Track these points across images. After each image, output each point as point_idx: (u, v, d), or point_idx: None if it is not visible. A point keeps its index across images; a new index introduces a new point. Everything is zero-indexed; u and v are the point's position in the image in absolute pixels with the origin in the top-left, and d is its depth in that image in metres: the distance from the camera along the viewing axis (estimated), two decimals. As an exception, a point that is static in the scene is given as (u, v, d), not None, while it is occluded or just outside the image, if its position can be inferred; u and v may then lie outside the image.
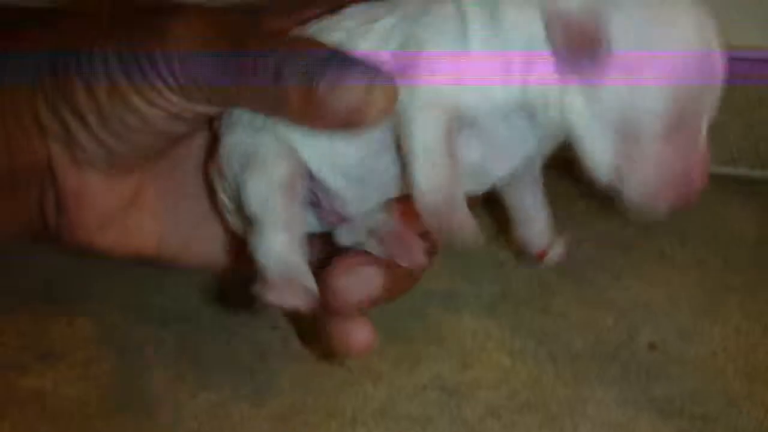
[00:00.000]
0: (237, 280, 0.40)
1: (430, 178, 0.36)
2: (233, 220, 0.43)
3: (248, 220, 0.39)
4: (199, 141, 0.45)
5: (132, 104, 0.39)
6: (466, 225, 0.36)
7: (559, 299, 0.58)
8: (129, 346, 0.53)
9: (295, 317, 0.52)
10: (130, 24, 0.39)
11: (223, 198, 0.42)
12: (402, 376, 0.52)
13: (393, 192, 0.40)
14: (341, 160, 0.39)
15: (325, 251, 0.42)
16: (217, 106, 0.39)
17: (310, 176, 0.40)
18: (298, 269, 0.38)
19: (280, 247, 0.38)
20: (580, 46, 0.34)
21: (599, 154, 0.36)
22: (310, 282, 0.38)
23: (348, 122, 0.36)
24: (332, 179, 0.40)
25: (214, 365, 0.52)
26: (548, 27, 0.35)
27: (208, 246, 0.46)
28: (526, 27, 0.35)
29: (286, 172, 0.39)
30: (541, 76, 0.36)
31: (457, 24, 0.36)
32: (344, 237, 0.43)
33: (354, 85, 0.35)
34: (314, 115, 0.36)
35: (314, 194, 0.41)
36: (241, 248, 0.41)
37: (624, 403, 0.50)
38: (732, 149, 0.70)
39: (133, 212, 0.44)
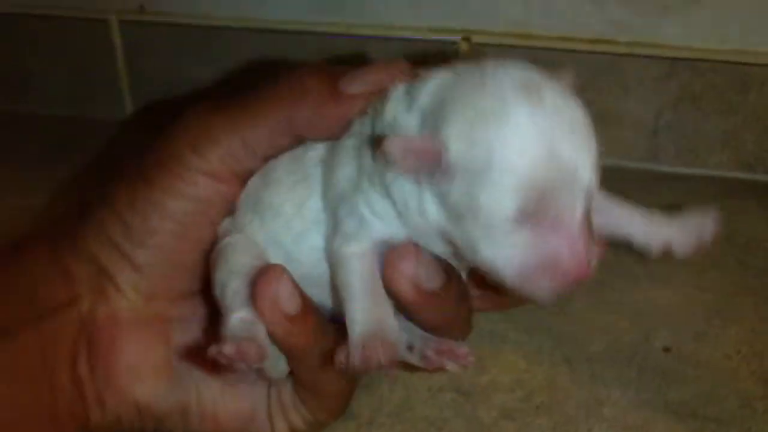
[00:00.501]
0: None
1: (363, 319, 0.38)
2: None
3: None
4: None
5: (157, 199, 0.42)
6: (392, 353, 0.37)
7: (576, 303, 0.58)
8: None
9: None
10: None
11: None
12: (418, 378, 0.52)
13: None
14: (294, 266, 0.41)
15: None
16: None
17: None
18: (255, 329, 0.39)
19: (239, 321, 0.40)
20: (422, 162, 0.36)
21: (469, 248, 0.38)
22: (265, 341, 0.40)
23: None
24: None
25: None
26: (383, 151, 0.36)
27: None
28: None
29: (246, 262, 0.41)
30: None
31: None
32: None
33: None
34: None
35: None
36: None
37: (639, 406, 0.50)
38: (748, 155, 0.70)
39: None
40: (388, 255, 0.39)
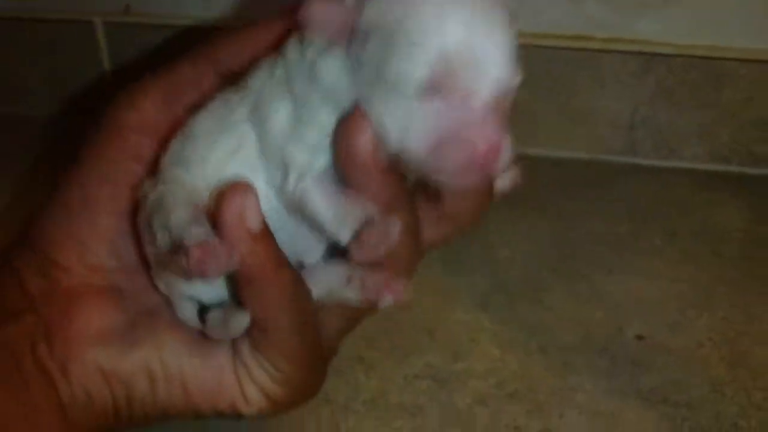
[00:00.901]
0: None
1: (349, 221, 0.38)
2: (157, 271, 0.43)
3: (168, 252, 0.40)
4: None
5: None
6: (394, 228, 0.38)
7: (551, 294, 0.59)
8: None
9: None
10: None
11: (149, 249, 0.43)
12: (394, 365, 0.53)
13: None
14: None
15: None
16: None
17: None
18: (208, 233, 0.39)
19: (188, 218, 0.39)
20: (340, 27, 0.37)
21: (377, 116, 0.37)
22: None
23: None
24: None
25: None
26: (313, 18, 0.37)
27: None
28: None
29: (185, 203, 0.41)
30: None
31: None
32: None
33: None
34: None
35: None
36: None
37: (611, 393, 0.51)
38: (723, 148, 0.71)
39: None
40: (343, 122, 0.39)
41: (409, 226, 0.41)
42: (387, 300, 0.41)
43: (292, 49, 0.40)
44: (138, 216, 0.43)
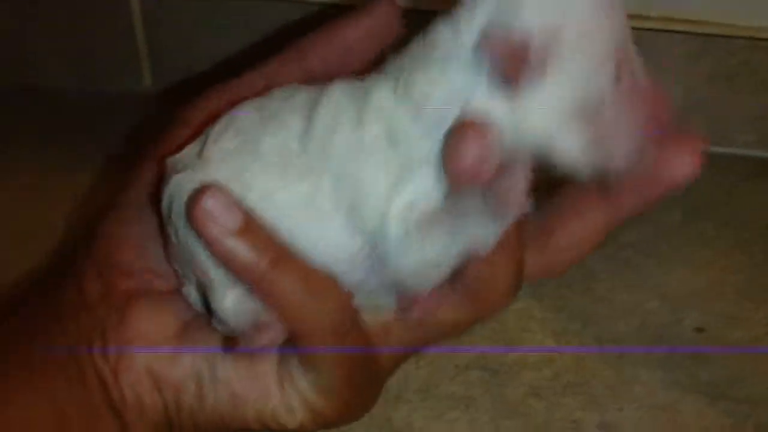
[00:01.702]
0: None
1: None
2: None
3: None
4: None
5: None
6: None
7: (602, 284, 0.57)
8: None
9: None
10: None
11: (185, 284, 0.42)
12: (444, 355, 0.52)
13: None
14: None
15: None
16: None
17: None
18: (255, 313, 0.38)
19: (233, 303, 0.38)
20: (516, 61, 0.33)
21: (570, 146, 0.34)
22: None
23: None
24: None
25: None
26: (485, 55, 0.33)
27: None
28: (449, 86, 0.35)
29: None
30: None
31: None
32: None
33: None
34: None
35: None
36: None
37: (669, 386, 0.50)
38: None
39: None
40: (453, 127, 0.35)
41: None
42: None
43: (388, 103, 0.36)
44: (161, 202, 0.40)
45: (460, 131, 0.34)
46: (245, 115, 0.38)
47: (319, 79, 0.40)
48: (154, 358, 0.42)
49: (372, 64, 0.39)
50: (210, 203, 0.36)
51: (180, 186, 0.38)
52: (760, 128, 0.69)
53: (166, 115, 0.44)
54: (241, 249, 0.37)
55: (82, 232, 0.46)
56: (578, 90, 0.34)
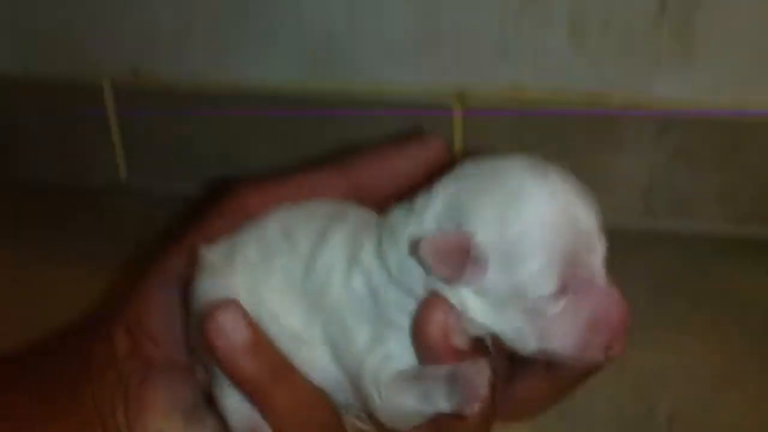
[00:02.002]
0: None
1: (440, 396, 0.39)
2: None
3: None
4: None
5: None
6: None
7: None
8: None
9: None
10: None
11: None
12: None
13: None
14: None
15: None
16: None
17: None
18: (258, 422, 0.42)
19: (233, 404, 0.42)
20: (453, 260, 0.37)
21: (516, 338, 0.38)
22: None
23: None
24: None
25: None
26: (418, 255, 0.37)
27: None
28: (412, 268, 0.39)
29: None
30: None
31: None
32: None
33: None
34: None
35: None
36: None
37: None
38: (744, 211, 0.71)
39: None
40: (422, 302, 0.39)
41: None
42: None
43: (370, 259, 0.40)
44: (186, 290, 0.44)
45: (427, 304, 0.38)
46: (272, 226, 0.43)
47: (364, 196, 0.45)
48: (167, 427, 0.46)
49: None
50: (221, 319, 0.40)
51: (206, 290, 0.42)
52: (725, 205, 0.71)
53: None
54: (244, 364, 0.40)
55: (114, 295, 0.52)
56: (517, 294, 0.37)
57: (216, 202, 0.48)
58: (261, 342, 0.41)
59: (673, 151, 0.70)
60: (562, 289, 0.37)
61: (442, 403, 0.39)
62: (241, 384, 0.41)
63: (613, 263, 0.67)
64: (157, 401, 0.46)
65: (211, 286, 0.42)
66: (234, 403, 0.42)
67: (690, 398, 0.56)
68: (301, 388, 0.42)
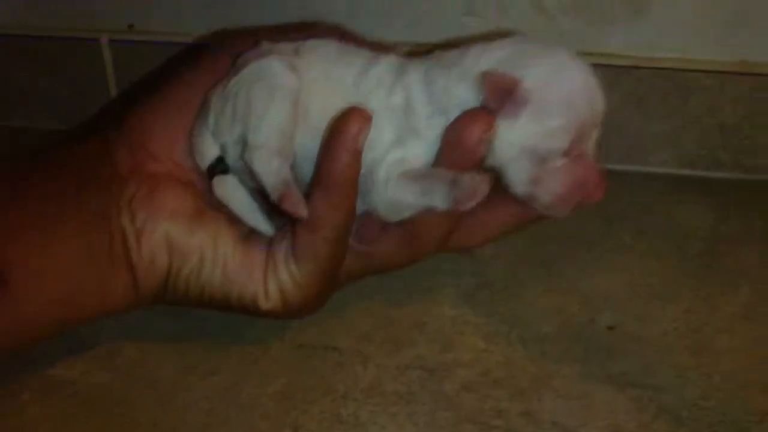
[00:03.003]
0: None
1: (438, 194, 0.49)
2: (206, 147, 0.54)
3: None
4: None
5: None
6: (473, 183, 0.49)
7: (529, 289, 0.64)
8: (147, 339, 0.60)
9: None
10: None
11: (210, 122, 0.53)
12: (387, 357, 0.58)
13: None
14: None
15: None
16: None
17: None
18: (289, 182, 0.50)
19: (275, 166, 0.50)
20: (503, 93, 0.47)
21: (516, 174, 0.49)
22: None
23: None
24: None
25: (222, 355, 0.59)
26: (478, 83, 0.48)
27: None
28: (457, 93, 0.50)
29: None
30: None
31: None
32: None
33: None
34: None
35: None
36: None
37: (585, 378, 0.56)
38: (689, 153, 0.76)
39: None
40: (469, 111, 0.48)
41: None
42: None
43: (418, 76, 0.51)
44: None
45: (474, 114, 0.48)
46: (334, 43, 0.54)
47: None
48: (173, 228, 0.53)
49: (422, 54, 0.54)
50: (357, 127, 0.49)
51: (273, 65, 0.51)
52: (674, 149, 0.76)
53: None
54: (352, 166, 0.49)
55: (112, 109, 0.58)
56: (536, 139, 0.48)
57: (219, 48, 0.56)
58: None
59: (624, 98, 0.76)
60: (568, 151, 0.48)
61: (439, 200, 0.49)
62: (337, 178, 0.49)
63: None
64: (163, 207, 0.53)
65: (279, 64, 0.51)
66: (269, 167, 0.50)
67: (629, 312, 0.62)
68: (356, 196, 0.51)
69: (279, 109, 0.50)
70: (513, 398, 0.55)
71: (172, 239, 0.53)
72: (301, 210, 0.49)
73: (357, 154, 0.49)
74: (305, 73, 0.52)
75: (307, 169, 0.52)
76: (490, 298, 0.64)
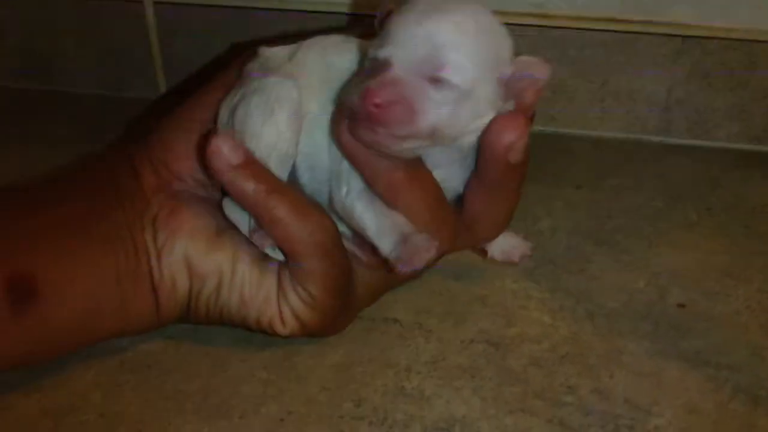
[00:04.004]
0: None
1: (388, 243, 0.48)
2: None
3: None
4: None
5: None
6: (421, 246, 0.47)
7: (594, 265, 0.62)
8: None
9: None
10: None
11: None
12: (449, 330, 0.56)
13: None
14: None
15: None
16: None
17: None
18: None
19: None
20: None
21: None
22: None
23: None
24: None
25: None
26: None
27: None
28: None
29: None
30: None
31: None
32: None
33: None
34: None
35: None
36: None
37: (655, 355, 0.54)
38: (756, 128, 0.74)
39: None
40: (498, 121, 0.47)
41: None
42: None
43: None
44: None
45: (505, 120, 0.47)
46: (331, 37, 0.53)
47: None
48: (192, 248, 0.52)
49: None
50: (217, 143, 0.48)
51: (271, 89, 0.50)
52: (738, 122, 0.74)
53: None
54: (240, 180, 0.48)
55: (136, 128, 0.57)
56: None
57: (230, 63, 0.55)
58: (255, 162, 0.49)
59: (689, 70, 0.73)
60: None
61: (385, 247, 0.47)
62: (240, 199, 0.49)
63: (633, 172, 0.72)
64: (183, 226, 0.52)
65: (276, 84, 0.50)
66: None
67: (698, 289, 0.60)
68: (296, 201, 0.49)
69: (275, 124, 0.49)
70: (582, 374, 0.53)
71: (191, 260, 0.52)
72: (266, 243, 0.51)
73: (235, 167, 0.49)
74: (301, 79, 0.51)
75: (307, 177, 0.52)
76: (552, 273, 0.61)
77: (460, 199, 0.52)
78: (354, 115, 0.45)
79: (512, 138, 0.46)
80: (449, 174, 0.50)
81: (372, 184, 0.48)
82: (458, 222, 0.51)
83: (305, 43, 0.53)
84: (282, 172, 0.50)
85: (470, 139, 0.48)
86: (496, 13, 0.73)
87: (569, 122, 0.76)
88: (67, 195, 0.53)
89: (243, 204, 0.49)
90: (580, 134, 0.78)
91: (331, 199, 0.51)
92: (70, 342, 0.51)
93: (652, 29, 0.73)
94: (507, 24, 0.73)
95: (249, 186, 0.48)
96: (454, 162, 0.49)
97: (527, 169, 0.49)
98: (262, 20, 0.82)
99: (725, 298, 0.59)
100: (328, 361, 0.54)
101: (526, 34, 0.75)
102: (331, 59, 0.51)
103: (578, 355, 0.54)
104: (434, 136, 0.45)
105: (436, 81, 0.44)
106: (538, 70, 0.46)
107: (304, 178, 0.52)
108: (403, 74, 0.45)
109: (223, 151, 0.48)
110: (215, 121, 0.52)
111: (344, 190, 0.49)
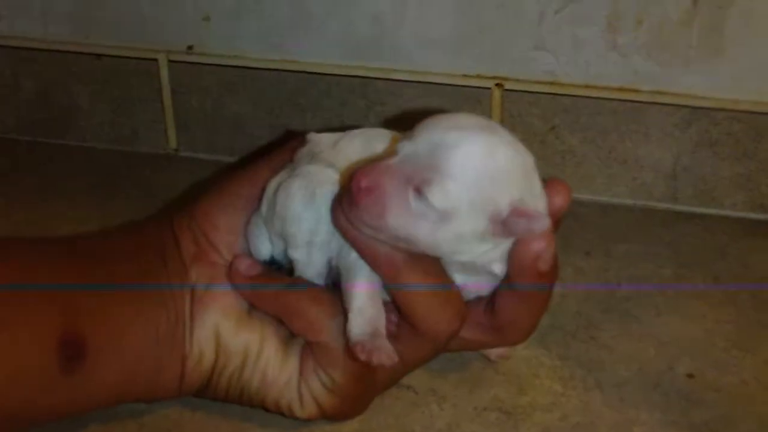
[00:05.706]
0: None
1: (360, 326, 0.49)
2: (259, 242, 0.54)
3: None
4: None
5: None
6: (386, 349, 0.48)
7: (604, 332, 0.63)
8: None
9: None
10: None
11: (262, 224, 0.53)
12: (464, 397, 0.57)
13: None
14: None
15: None
16: None
17: None
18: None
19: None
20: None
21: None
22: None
23: None
24: None
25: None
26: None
27: None
28: None
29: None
30: None
31: None
32: None
33: None
34: None
35: None
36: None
37: (667, 426, 0.55)
38: (763, 198, 0.75)
39: None
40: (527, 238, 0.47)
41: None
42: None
43: None
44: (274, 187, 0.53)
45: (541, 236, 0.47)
46: (375, 131, 0.54)
47: None
48: (224, 324, 0.53)
49: None
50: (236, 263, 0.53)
51: (313, 174, 0.51)
52: (745, 191, 0.75)
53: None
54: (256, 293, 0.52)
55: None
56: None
57: (283, 146, 0.56)
58: (267, 273, 0.53)
59: (697, 140, 0.75)
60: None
61: (356, 327, 0.48)
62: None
63: (640, 239, 0.73)
64: (217, 300, 0.53)
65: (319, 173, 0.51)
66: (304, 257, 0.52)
67: (707, 359, 0.60)
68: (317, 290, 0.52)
69: (316, 209, 0.50)
70: (593, 445, 0.54)
71: (221, 336, 0.53)
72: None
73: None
74: (343, 165, 0.52)
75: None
76: (562, 340, 0.62)
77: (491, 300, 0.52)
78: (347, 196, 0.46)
79: (540, 247, 0.47)
80: (469, 279, 0.50)
81: (374, 267, 0.48)
82: (489, 323, 0.52)
83: (351, 132, 0.54)
84: (321, 257, 0.51)
85: (478, 260, 0.48)
86: (510, 79, 0.76)
87: (577, 187, 0.77)
88: (116, 254, 0.54)
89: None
90: (588, 200, 0.79)
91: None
92: (105, 402, 0.52)
93: (660, 99, 0.74)
94: (520, 92, 0.76)
95: (260, 299, 0.53)
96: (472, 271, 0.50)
97: (557, 276, 0.50)
98: (272, 79, 0.83)
99: (733, 368, 0.60)
100: (345, 428, 0.55)
101: (539, 103, 0.77)
102: (374, 149, 0.52)
103: (589, 425, 0.55)
104: (409, 242, 0.46)
105: (419, 192, 0.45)
106: (536, 223, 0.46)
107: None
108: (397, 169, 0.45)
109: (239, 266, 0.53)
110: (260, 198, 0.53)
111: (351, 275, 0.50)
